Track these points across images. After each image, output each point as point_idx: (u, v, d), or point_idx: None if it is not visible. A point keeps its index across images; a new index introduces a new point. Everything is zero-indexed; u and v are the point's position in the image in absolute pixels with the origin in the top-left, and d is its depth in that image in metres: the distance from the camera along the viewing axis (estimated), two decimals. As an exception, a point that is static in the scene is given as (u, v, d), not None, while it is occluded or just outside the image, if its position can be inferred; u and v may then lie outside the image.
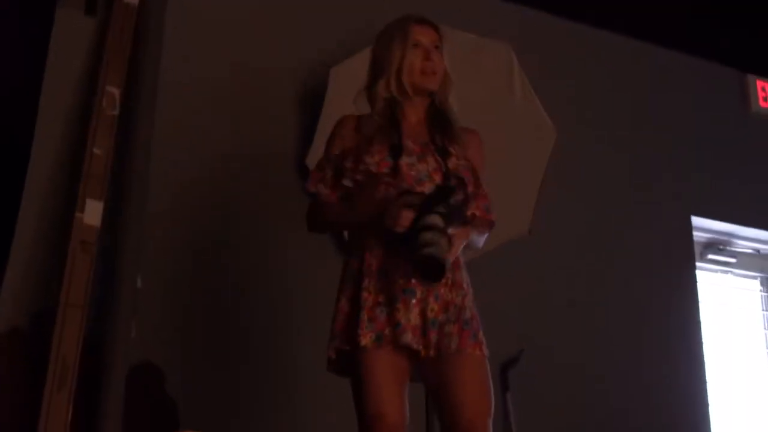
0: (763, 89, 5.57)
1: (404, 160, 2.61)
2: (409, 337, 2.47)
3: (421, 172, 2.62)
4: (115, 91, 3.55)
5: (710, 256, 5.32)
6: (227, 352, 3.61)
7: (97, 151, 3.45)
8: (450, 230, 2.45)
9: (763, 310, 5.45)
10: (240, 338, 3.64)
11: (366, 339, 2.48)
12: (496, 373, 4.11)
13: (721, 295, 5.33)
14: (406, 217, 2.43)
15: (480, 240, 2.79)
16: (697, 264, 5.14)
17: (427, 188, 2.57)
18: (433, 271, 2.38)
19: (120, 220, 3.46)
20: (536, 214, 4.40)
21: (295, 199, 3.90)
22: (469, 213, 2.65)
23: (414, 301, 2.50)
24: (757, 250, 5.51)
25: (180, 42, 3.83)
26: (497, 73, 4.48)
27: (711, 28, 5.11)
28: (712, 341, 5.07)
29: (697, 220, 5.15)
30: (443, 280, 2.47)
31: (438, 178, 2.62)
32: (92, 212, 3.36)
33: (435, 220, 2.42)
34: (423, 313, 2.51)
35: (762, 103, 5.54)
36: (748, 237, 5.43)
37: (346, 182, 2.65)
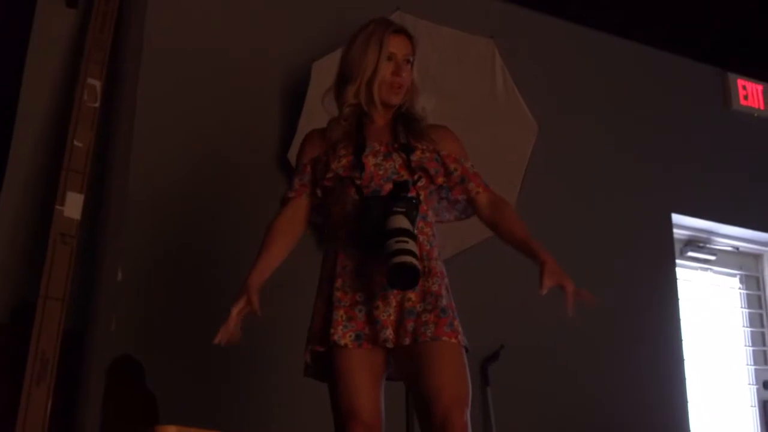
0: (744, 88, 5.60)
1: (370, 160, 2.62)
2: (388, 333, 2.48)
3: (388, 171, 2.62)
4: (97, 84, 3.54)
5: (690, 254, 5.34)
6: (208, 345, 3.58)
7: (78, 143, 3.44)
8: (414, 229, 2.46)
9: (742, 307, 5.48)
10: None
11: (345, 338, 2.48)
12: (476, 369, 4.15)
13: (700, 292, 5.35)
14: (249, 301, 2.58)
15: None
16: (677, 261, 5.16)
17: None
18: (406, 278, 2.37)
19: (100, 213, 3.45)
20: (516, 210, 4.42)
21: (276, 192, 3.91)
22: (467, 195, 2.75)
23: (391, 296, 2.51)
24: (737, 248, 5.54)
25: (162, 34, 3.82)
26: (480, 68, 4.50)
27: (693, 26, 5.14)
28: (691, 338, 5.10)
29: (677, 218, 5.18)
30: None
31: (406, 174, 2.63)
32: (73, 205, 3.35)
33: (399, 222, 2.42)
34: (400, 305, 2.51)
35: (743, 102, 5.57)
36: (727, 234, 5.46)
37: (318, 191, 2.69)
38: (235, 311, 2.57)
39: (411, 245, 2.38)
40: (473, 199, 2.78)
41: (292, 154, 3.76)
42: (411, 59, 2.75)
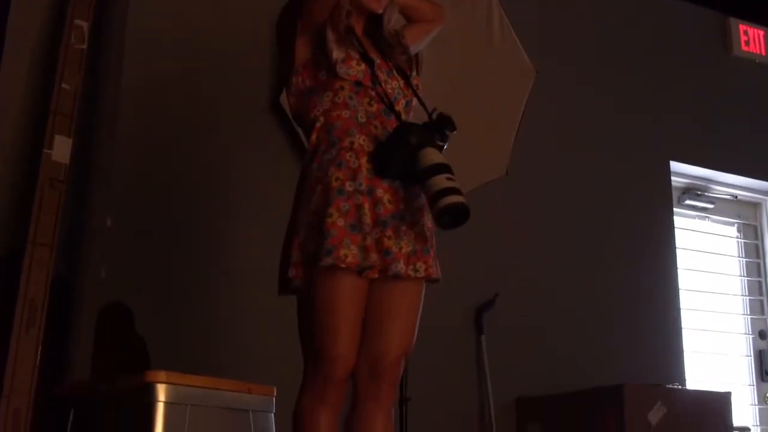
0: (746, 33, 5.51)
1: (380, 75, 2.55)
2: (399, 267, 2.39)
3: (395, 89, 2.56)
4: (84, 24, 3.46)
5: (688, 202, 5.29)
6: (198, 292, 3.56)
7: (65, 86, 3.37)
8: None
9: (739, 256, 5.45)
10: (212, 278, 3.60)
11: (348, 259, 2.34)
12: (471, 317, 4.13)
13: (698, 240, 5.32)
14: None
15: None
16: (675, 209, 5.12)
17: (401, 105, 2.55)
18: (458, 216, 2.30)
19: (89, 157, 3.40)
20: (513, 156, 4.38)
21: (269, 139, 3.87)
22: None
23: (404, 226, 2.42)
24: (735, 196, 5.50)
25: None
26: (476, 13, 4.44)
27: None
28: (688, 286, 5.07)
29: (675, 165, 5.13)
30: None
31: (409, 95, 2.58)
32: (61, 149, 3.29)
33: (439, 156, 2.34)
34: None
35: (744, 47, 5.48)
36: (726, 183, 5.42)
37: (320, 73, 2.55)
38: None
39: (455, 180, 2.30)
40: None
41: (283, 98, 3.69)
42: None
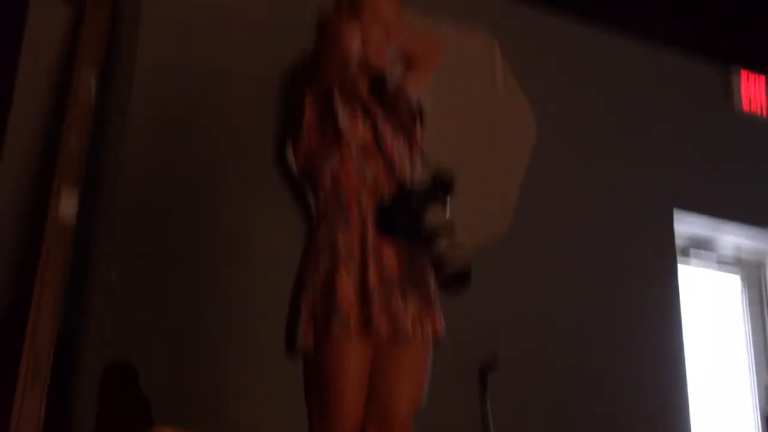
0: (748, 80, 5.52)
1: (385, 136, 2.56)
2: (408, 327, 2.41)
3: (400, 148, 2.58)
4: (92, 80, 3.49)
5: (692, 252, 5.29)
6: (204, 349, 3.56)
7: (72, 139, 3.39)
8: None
9: (743, 306, 5.44)
10: (218, 335, 3.59)
11: (361, 320, 2.38)
12: (475, 376, 4.11)
13: (702, 290, 5.31)
14: None
15: None
16: (679, 259, 5.11)
17: (405, 164, 2.56)
18: (461, 282, 2.32)
19: (95, 211, 3.41)
20: (517, 208, 4.39)
21: (273, 195, 3.87)
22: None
23: (410, 287, 2.44)
24: (739, 246, 5.49)
25: (157, 29, 3.76)
26: (479, 64, 4.47)
27: (697, 22, 5.08)
28: (693, 336, 5.05)
29: (679, 215, 5.13)
30: None
31: (414, 153, 2.58)
32: (67, 204, 3.31)
33: (440, 218, 2.36)
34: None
35: (744, 98, 5.49)
36: (730, 233, 5.41)
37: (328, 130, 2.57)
38: None
39: (460, 241, 2.33)
40: None
41: (290, 150, 3.71)
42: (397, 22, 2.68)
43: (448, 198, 2.45)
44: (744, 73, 5.50)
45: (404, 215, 2.40)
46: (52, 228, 3.25)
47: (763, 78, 5.56)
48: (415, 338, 2.43)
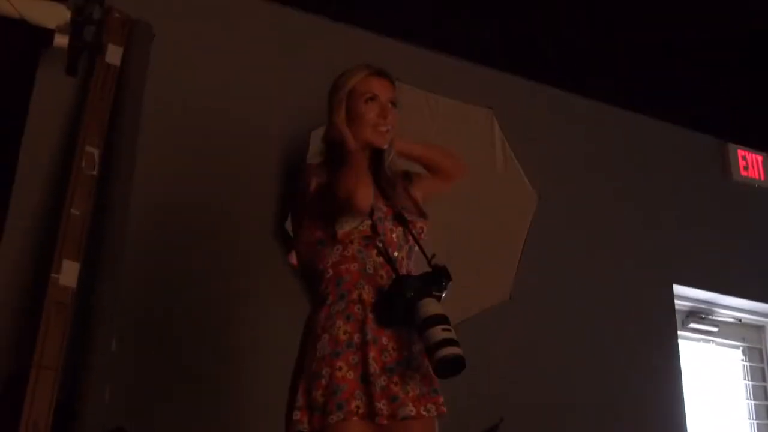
0: (744, 158, 5.60)
1: (386, 225, 2.59)
2: (408, 410, 2.40)
3: (398, 237, 2.61)
4: (95, 152, 3.53)
5: (692, 325, 5.29)
6: (203, 418, 3.54)
7: (74, 211, 3.42)
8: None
9: (745, 379, 5.41)
10: (216, 405, 3.58)
11: (363, 408, 2.38)
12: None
13: (703, 364, 5.29)
14: None
15: None
16: (679, 332, 5.11)
17: (403, 253, 2.61)
18: (454, 367, 2.33)
19: (96, 282, 3.42)
20: (517, 280, 4.40)
21: (272, 263, 3.89)
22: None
23: (410, 371, 2.45)
24: (739, 319, 5.49)
25: (161, 103, 3.82)
26: (478, 138, 4.51)
27: (692, 96, 5.14)
28: (694, 410, 5.02)
29: (679, 289, 5.14)
30: None
31: (411, 242, 2.62)
32: (68, 273, 3.32)
33: (436, 307, 2.39)
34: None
35: (743, 172, 5.56)
36: (729, 306, 5.42)
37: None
38: None
39: (455, 334, 2.35)
40: None
41: (289, 223, 3.74)
42: (395, 102, 2.72)
43: (443, 290, 2.48)
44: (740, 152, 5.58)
45: (397, 308, 2.44)
46: (53, 296, 3.26)
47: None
48: (419, 416, 2.43)
